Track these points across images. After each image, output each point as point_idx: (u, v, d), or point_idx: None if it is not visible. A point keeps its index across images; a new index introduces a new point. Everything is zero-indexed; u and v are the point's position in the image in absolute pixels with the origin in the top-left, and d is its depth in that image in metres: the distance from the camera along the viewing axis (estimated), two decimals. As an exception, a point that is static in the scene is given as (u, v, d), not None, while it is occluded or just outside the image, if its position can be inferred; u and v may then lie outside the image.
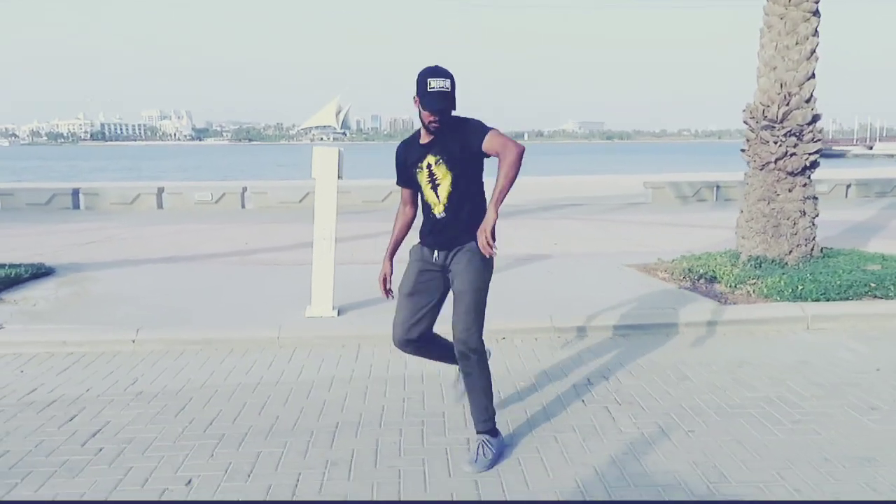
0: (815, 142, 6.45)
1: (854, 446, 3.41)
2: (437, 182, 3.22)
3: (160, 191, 15.40)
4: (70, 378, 4.49)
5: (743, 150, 6.89)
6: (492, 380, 3.39)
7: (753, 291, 5.89)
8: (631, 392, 4.15)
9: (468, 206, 3.25)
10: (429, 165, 3.21)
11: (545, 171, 38.78)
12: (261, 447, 3.46)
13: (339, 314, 5.59)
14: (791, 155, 6.42)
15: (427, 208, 3.33)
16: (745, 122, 6.80)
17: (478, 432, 3.35)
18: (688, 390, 4.17)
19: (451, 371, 4.10)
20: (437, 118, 3.10)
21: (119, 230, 11.29)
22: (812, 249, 6.57)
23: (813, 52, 6.44)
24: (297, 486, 3.07)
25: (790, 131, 6.39)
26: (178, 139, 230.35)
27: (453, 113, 3.18)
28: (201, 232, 11.10)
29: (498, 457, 3.29)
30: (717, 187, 16.12)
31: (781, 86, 6.44)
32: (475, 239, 3.15)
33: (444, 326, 3.46)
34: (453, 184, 3.20)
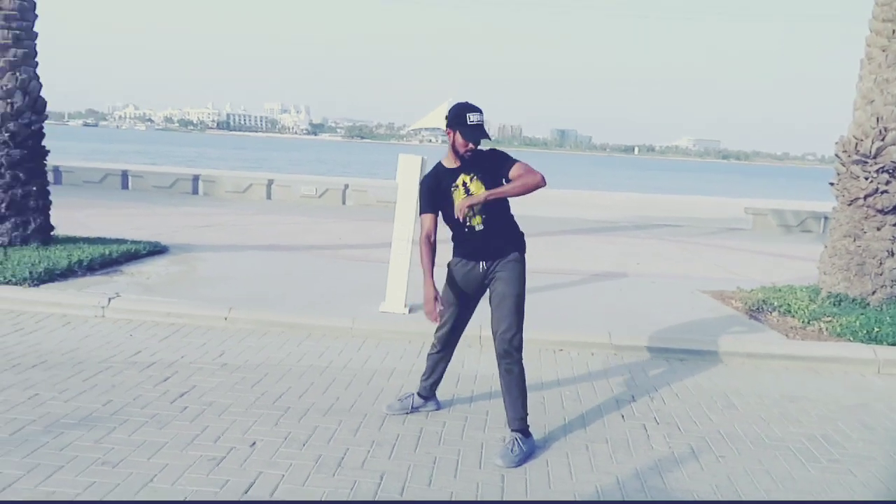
0: (911, 181, 6.23)
1: (888, 491, 3.42)
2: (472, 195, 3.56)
3: (270, 182, 16.44)
4: (169, 345, 5.11)
5: (832, 184, 6.74)
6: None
7: (826, 329, 5.80)
8: (672, 413, 4.28)
9: (502, 218, 3.65)
10: (464, 183, 3.58)
11: (648, 188, 37.96)
12: (318, 422, 3.88)
13: (409, 311, 5.97)
14: (882, 192, 6.24)
15: (462, 226, 3.63)
16: (837, 156, 6.65)
17: (511, 430, 3.64)
18: (730, 418, 4.25)
19: (491, 372, 4.34)
20: (472, 147, 3.53)
21: (230, 217, 12.24)
22: (898, 292, 6.35)
23: (916, 87, 6.22)
24: (343, 458, 3.46)
25: (883, 168, 6.21)
26: (295, 132, 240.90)
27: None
28: (302, 224, 11.86)
29: (527, 456, 3.55)
30: (825, 218, 15.37)
31: (877, 120, 6.27)
32: (516, 248, 3.66)
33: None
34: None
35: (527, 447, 3.57)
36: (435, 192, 3.65)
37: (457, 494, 3.17)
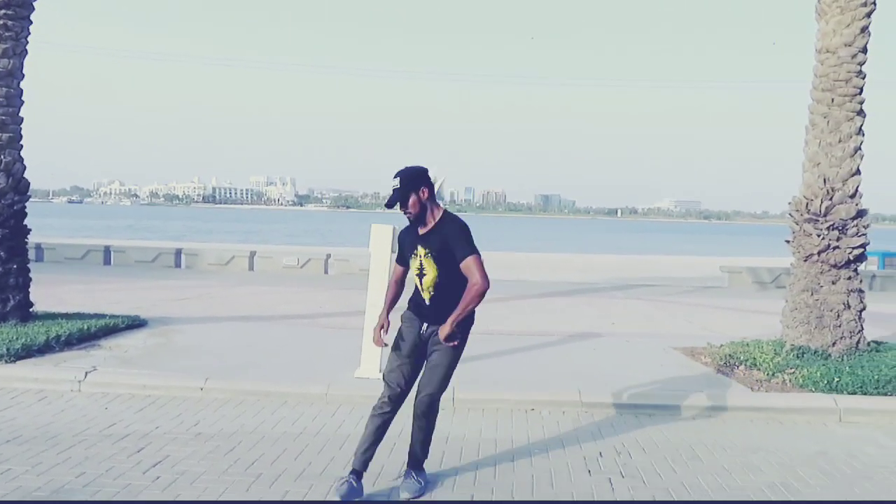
0: (860, 236, 6.54)
1: (841, 535, 3.53)
2: (423, 273, 3.75)
3: (252, 254, 16.63)
4: (144, 416, 5.17)
5: (788, 242, 7.03)
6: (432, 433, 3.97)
7: (790, 381, 5.96)
8: (637, 467, 4.39)
9: (450, 294, 3.70)
10: (419, 256, 3.74)
11: (628, 249, 38.55)
12: (290, 487, 3.95)
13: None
14: (834, 248, 6.53)
15: (417, 289, 3.87)
16: (790, 215, 6.97)
17: (409, 468, 3.94)
18: (694, 470, 4.36)
19: (463, 434, 4.47)
20: (403, 210, 3.72)
21: (211, 289, 12.34)
22: (858, 342, 6.56)
23: (857, 149, 6.61)
24: (312, 521, 3.52)
25: (833, 225, 6.52)
26: (282, 204, 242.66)
27: (450, 211, 3.85)
28: (283, 294, 11.98)
29: (425, 486, 3.92)
30: (798, 274, 15.71)
31: (825, 181, 6.62)
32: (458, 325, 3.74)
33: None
34: (437, 277, 3.72)
35: (424, 479, 3.94)
36: (402, 247, 3.92)
37: (422, 552, 3.24)
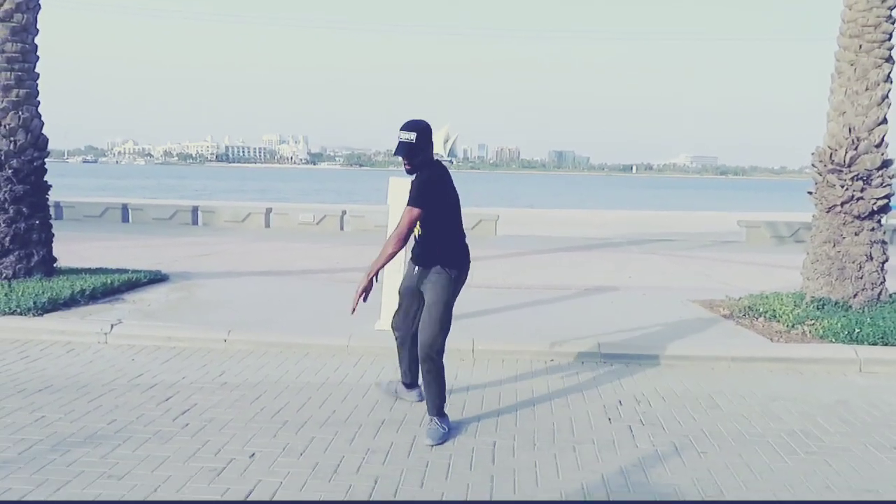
0: (884, 187, 6.45)
1: (861, 479, 3.57)
2: None
3: (268, 211, 16.68)
4: (170, 367, 5.27)
5: (810, 193, 6.94)
6: (445, 377, 4.06)
7: (809, 332, 5.96)
8: (657, 415, 4.43)
9: (436, 237, 3.99)
10: None
11: (644, 205, 38.26)
12: (316, 433, 4.03)
13: (404, 329, 6.13)
14: (858, 199, 6.44)
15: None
16: (814, 165, 6.87)
17: (431, 415, 4.03)
18: (714, 417, 4.40)
19: (483, 383, 4.53)
20: (404, 162, 3.88)
21: (228, 245, 12.43)
22: (880, 294, 6.52)
23: (884, 97, 6.46)
24: (339, 465, 3.61)
25: (857, 175, 6.42)
26: (295, 162, 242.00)
27: (443, 159, 3.94)
28: (300, 250, 12.04)
29: (448, 432, 3.98)
30: (817, 228, 15.53)
31: (850, 130, 6.50)
32: (442, 263, 3.96)
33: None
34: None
35: (447, 426, 4.01)
36: None
37: (447, 495, 3.32)
